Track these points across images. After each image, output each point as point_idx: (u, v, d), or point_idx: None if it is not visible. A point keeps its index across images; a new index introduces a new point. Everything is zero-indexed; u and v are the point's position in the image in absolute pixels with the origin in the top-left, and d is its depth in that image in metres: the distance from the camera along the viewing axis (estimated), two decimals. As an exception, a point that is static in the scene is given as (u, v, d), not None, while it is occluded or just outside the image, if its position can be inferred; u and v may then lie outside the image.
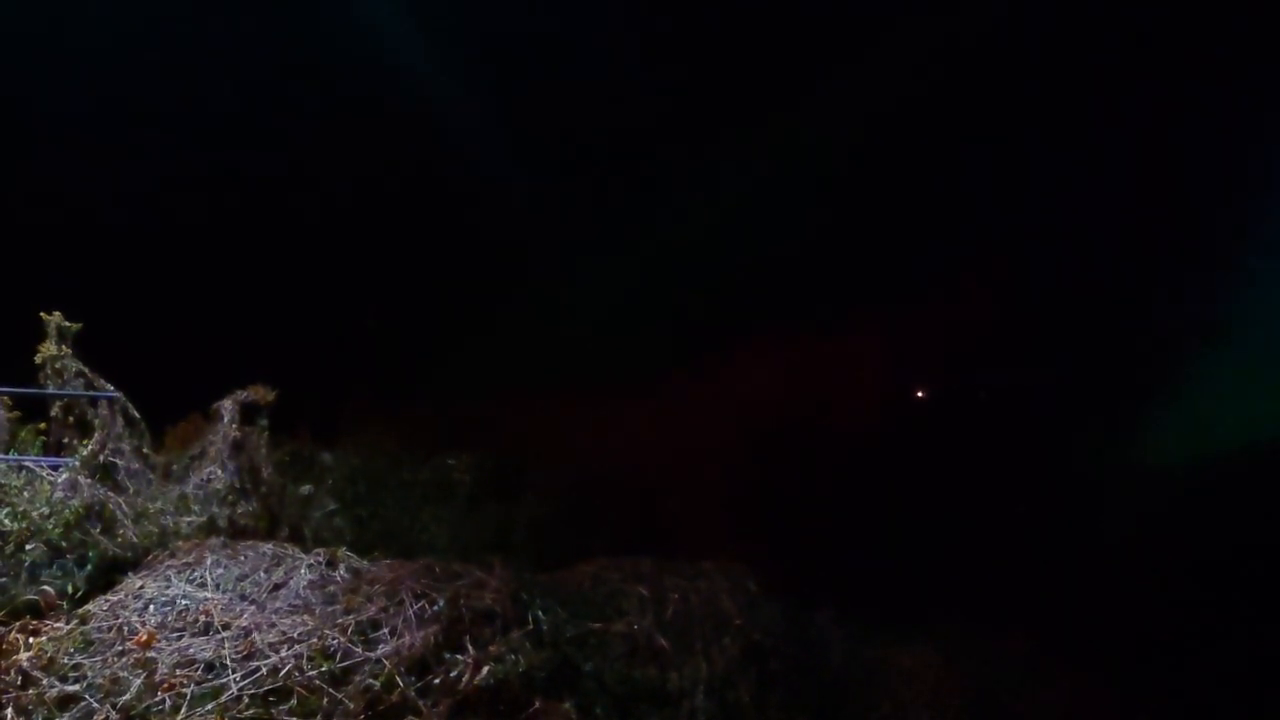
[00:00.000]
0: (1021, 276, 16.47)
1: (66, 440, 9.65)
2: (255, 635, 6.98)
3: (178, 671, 6.63)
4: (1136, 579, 11.31)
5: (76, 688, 6.49)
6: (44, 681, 6.49)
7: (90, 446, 9.32)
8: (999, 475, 13.67)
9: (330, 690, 6.69)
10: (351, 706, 6.63)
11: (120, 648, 6.83)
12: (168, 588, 7.55)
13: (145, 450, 9.77)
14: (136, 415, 9.77)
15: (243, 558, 8.05)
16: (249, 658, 6.80)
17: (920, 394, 17.28)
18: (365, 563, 8.28)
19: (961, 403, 16.91)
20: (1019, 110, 15.59)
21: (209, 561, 7.93)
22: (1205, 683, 9.87)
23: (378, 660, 6.95)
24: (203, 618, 7.15)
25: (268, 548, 8.29)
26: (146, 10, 13.60)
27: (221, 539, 8.68)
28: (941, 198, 16.39)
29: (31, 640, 6.83)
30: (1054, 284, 16.35)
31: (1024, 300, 16.43)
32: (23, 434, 9.84)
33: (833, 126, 15.60)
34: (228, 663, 6.73)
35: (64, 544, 8.12)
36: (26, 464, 8.94)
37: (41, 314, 9.76)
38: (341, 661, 6.89)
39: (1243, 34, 14.03)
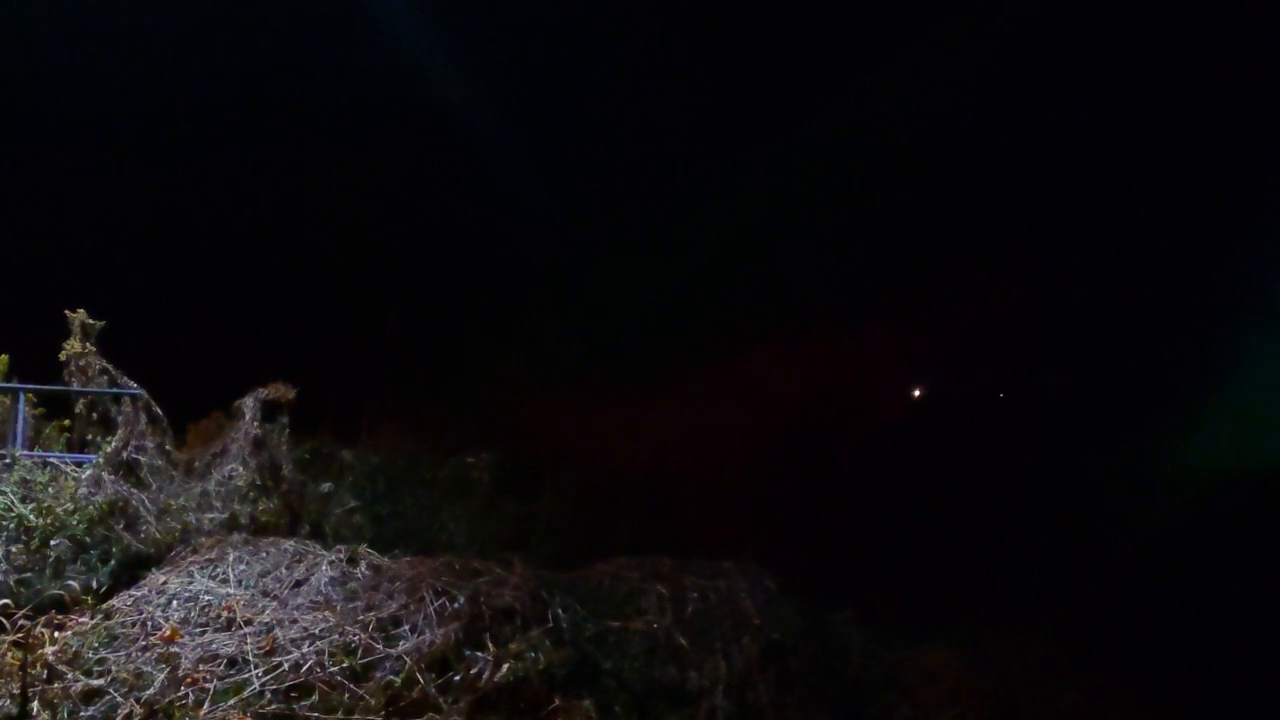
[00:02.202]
0: (1042, 280, 16.39)
1: (90, 437, 9.75)
2: (277, 631, 7.01)
3: (200, 666, 6.67)
4: (1157, 580, 11.23)
5: (101, 682, 6.53)
6: (69, 675, 6.54)
7: (114, 443, 9.41)
8: (1018, 477, 13.60)
9: (351, 686, 6.72)
10: (372, 703, 6.65)
11: (144, 643, 6.88)
12: (190, 583, 7.59)
13: (168, 447, 9.85)
14: (159, 412, 9.85)
15: (264, 554, 8.08)
16: (271, 653, 6.83)
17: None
18: (386, 560, 8.31)
19: (981, 405, 16.83)
20: (1038, 114, 15.53)
21: (231, 558, 7.96)
22: (1226, 684, 9.80)
23: (398, 657, 6.97)
24: (225, 613, 7.20)
25: (289, 544, 8.32)
26: (170, 16, 13.70)
27: (243, 535, 8.74)
28: (962, 200, 16.32)
29: (56, 635, 6.88)
30: (1074, 288, 16.26)
31: (1045, 303, 16.35)
32: (47, 430, 9.94)
33: (853, 129, 15.57)
34: (250, 658, 6.76)
35: (88, 540, 8.21)
36: (51, 460, 9.03)
37: (66, 311, 9.85)
38: (363, 658, 6.92)
39: (1264, 36, 13.93)
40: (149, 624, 7.07)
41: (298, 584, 7.72)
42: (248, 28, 13.99)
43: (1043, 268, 16.34)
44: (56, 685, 6.45)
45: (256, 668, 6.70)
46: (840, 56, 15.20)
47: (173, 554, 8.31)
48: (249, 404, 10.31)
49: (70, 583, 7.71)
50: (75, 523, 8.20)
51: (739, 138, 15.83)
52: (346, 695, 6.66)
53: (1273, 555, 11.49)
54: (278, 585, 7.68)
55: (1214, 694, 9.76)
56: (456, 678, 7.00)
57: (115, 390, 9.79)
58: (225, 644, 6.88)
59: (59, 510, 8.21)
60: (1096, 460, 13.99)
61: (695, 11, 15.25)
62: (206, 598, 7.39)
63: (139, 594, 7.49)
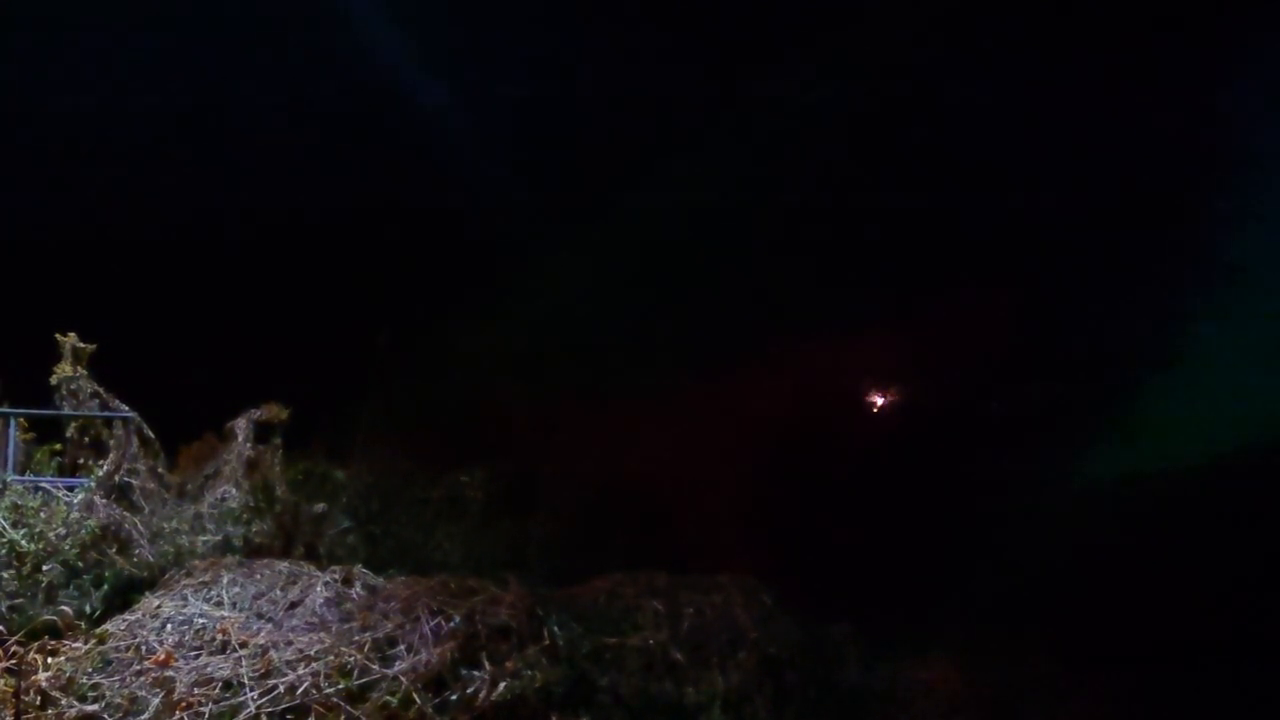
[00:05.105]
0: (1031, 287, 16.43)
1: (82, 461, 9.71)
2: (272, 653, 6.99)
3: (196, 690, 6.65)
4: (1156, 588, 11.23)
5: (95, 707, 6.51)
6: (63, 701, 6.52)
7: (106, 467, 9.36)
8: (1014, 485, 13.61)
9: (348, 708, 6.69)
10: (369, 723, 6.64)
11: (138, 667, 6.85)
12: (184, 607, 7.57)
13: (160, 470, 9.82)
14: (151, 435, 9.82)
15: (258, 576, 8.07)
16: (266, 676, 6.80)
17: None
18: (380, 580, 8.29)
19: (975, 414, 16.84)
20: (1027, 115, 15.59)
21: (225, 580, 7.95)
22: (1227, 692, 9.80)
23: (395, 677, 6.95)
24: (220, 636, 7.17)
25: (283, 566, 8.32)
26: (143, 24, 13.69)
27: (237, 557, 8.73)
28: (950, 206, 16.37)
29: (50, 660, 6.86)
30: (1064, 295, 16.30)
31: (1034, 311, 16.38)
32: (39, 455, 9.90)
33: (839, 132, 15.62)
34: (245, 681, 6.74)
35: (81, 564, 8.17)
36: (43, 485, 9.00)
37: (57, 335, 9.83)
38: (359, 679, 6.90)
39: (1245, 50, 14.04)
40: (143, 648, 7.04)
41: (292, 606, 7.70)
42: (240, 46, 14.01)
43: (1032, 273, 16.37)
44: (50, 711, 6.43)
45: (252, 690, 6.68)
46: (820, 58, 15.23)
47: (166, 577, 8.28)
48: (241, 425, 10.31)
49: (63, 608, 7.67)
50: (68, 547, 8.16)
51: (736, 145, 15.85)
52: (343, 716, 6.63)
53: (1271, 554, 11.50)
54: (272, 607, 7.66)
55: (1214, 699, 9.77)
56: (453, 697, 6.98)
57: (107, 414, 9.76)
58: (220, 667, 6.85)
59: (51, 535, 8.18)
60: (1092, 465, 14.00)
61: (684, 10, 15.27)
62: (201, 621, 7.36)
63: (132, 618, 7.46)
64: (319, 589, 7.89)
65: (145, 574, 8.37)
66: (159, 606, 7.58)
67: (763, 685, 8.43)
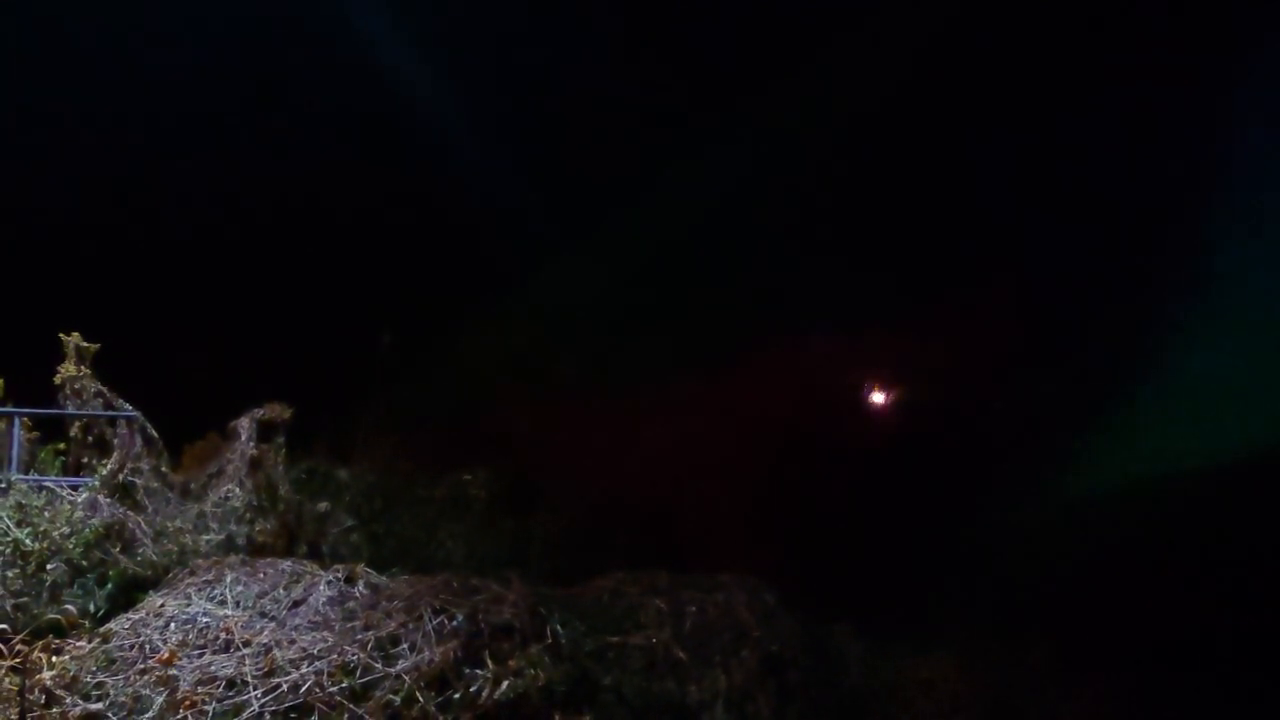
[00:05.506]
0: (1031, 285, 16.43)
1: (86, 460, 9.74)
2: (276, 652, 7.00)
3: (199, 689, 6.67)
4: (1158, 585, 11.24)
5: (99, 706, 6.54)
6: (67, 700, 6.54)
7: (109, 466, 9.40)
8: (1014, 484, 13.61)
9: (351, 706, 6.71)
10: (372, 722, 6.66)
11: (142, 666, 6.88)
12: (188, 605, 7.59)
13: (164, 469, 9.85)
14: (155, 434, 9.85)
15: (262, 575, 8.09)
16: (270, 674, 6.82)
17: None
18: (384, 579, 8.30)
19: (975, 413, 16.85)
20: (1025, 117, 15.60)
21: (228, 579, 7.97)
22: (1229, 690, 9.81)
23: (398, 676, 6.96)
24: (223, 635, 7.19)
25: (286, 565, 8.33)
26: (146, 28, 13.72)
27: (240, 556, 8.75)
28: (953, 206, 16.38)
29: (54, 659, 6.87)
30: (1065, 291, 16.30)
31: (1035, 314, 16.38)
32: (43, 454, 9.94)
33: (841, 134, 15.64)
34: (249, 680, 6.76)
35: (84, 563, 8.20)
36: (47, 484, 9.03)
37: (61, 335, 9.86)
38: (362, 677, 6.91)
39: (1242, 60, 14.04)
40: (147, 647, 7.06)
41: (295, 604, 7.71)
42: (250, 50, 14.03)
43: (1032, 272, 16.37)
44: (55, 710, 6.46)
45: (255, 689, 6.70)
46: (824, 57, 15.24)
47: (170, 576, 8.30)
48: (244, 424, 10.33)
49: (67, 606, 7.70)
50: (72, 546, 8.19)
51: (739, 148, 15.87)
52: (346, 715, 6.65)
53: (1269, 556, 11.50)
54: (275, 606, 7.68)
55: (1213, 700, 9.77)
56: (456, 695, 6.99)
57: (110, 413, 9.79)
58: (224, 666, 6.87)
59: (55, 534, 8.20)
60: (1093, 467, 14.00)
61: (677, 9, 15.29)
62: (204, 620, 7.38)
63: (136, 617, 7.48)
64: (322, 588, 7.90)
65: (149, 573, 8.39)
66: (163, 605, 7.60)
67: (765, 684, 8.44)
